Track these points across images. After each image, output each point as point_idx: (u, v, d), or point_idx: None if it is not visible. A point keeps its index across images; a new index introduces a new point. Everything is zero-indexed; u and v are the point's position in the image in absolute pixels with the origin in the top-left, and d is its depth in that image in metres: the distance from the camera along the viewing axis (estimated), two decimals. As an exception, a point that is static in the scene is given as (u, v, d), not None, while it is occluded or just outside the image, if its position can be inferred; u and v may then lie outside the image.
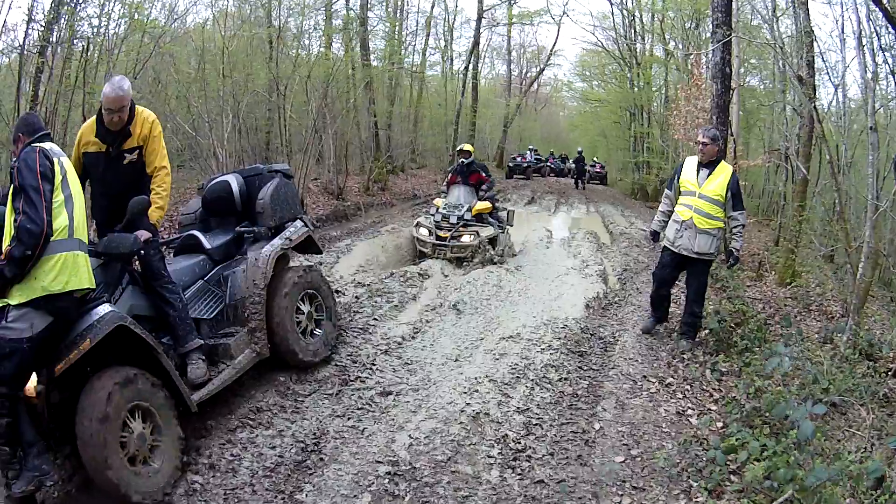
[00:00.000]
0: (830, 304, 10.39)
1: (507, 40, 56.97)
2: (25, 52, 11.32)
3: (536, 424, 5.89)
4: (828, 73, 15.53)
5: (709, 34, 14.83)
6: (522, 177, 42.73)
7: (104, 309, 4.57)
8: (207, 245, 6.37)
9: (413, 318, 8.79)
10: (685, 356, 7.73)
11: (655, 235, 8.47)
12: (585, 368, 7.36)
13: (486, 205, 12.98)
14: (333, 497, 4.67)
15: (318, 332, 6.85)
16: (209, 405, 5.44)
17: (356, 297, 9.31)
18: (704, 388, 6.97)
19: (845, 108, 14.16)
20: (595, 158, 50.20)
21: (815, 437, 4.68)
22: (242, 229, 6.67)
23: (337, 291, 9.00)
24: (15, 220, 4.11)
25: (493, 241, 12.76)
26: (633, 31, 39.50)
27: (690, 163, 8.03)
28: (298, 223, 7.12)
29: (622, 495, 4.91)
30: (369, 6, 27.50)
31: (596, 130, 53.05)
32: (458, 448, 5.37)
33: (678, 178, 8.07)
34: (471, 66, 38.23)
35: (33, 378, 4.37)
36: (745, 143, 25.70)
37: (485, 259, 12.14)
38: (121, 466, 4.25)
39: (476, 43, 38.60)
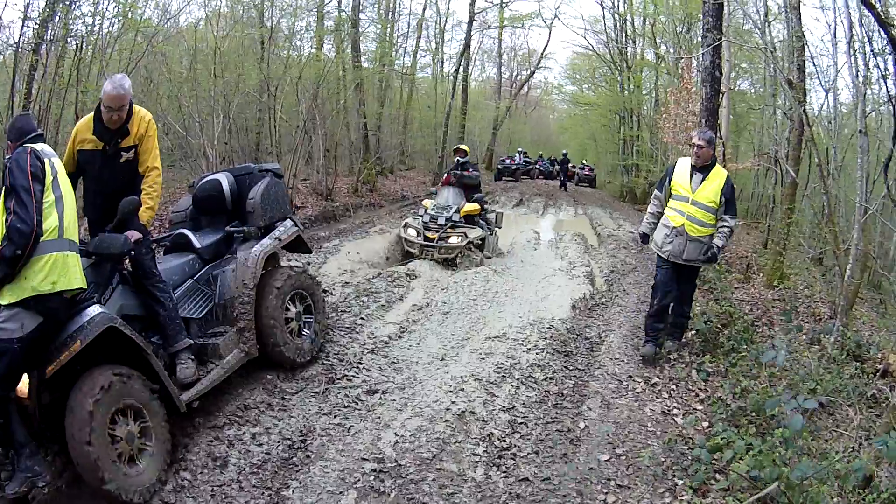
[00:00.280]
0: (818, 305, 10.45)
1: (497, 43, 57.22)
2: (20, 50, 11.31)
3: (522, 423, 5.95)
4: (818, 77, 15.63)
5: (700, 38, 14.91)
6: (511, 179, 42.77)
7: (94, 310, 4.60)
8: (197, 244, 6.37)
9: (400, 317, 8.82)
10: (671, 356, 7.74)
11: (645, 238, 8.17)
12: (571, 368, 7.42)
13: (475, 206, 13.07)
14: (319, 493, 4.71)
15: (306, 331, 6.88)
16: (197, 403, 5.45)
17: (344, 296, 9.35)
18: (690, 388, 7.03)
19: (836, 112, 14.27)
20: (584, 161, 50.50)
21: (803, 432, 4.72)
22: (232, 229, 6.66)
23: (325, 291, 9.02)
24: (6, 220, 4.13)
25: (481, 242, 12.84)
26: (624, 34, 39.70)
27: (683, 165, 7.71)
28: (288, 223, 7.12)
29: (607, 493, 4.97)
30: (361, 8, 27.52)
31: (585, 133, 53.14)
32: (444, 446, 5.43)
33: (670, 180, 7.75)
34: (461, 69, 38.25)
35: (24, 379, 4.39)
36: (735, 147, 25.86)
37: (471, 262, 12.21)
38: (110, 464, 4.28)
39: (467, 45, 38.61)
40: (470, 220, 12.90)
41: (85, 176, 5.58)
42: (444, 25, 42.54)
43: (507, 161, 44.96)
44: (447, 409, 6.00)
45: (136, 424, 4.63)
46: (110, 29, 13.60)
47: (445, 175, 14.30)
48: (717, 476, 5.07)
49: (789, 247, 12.61)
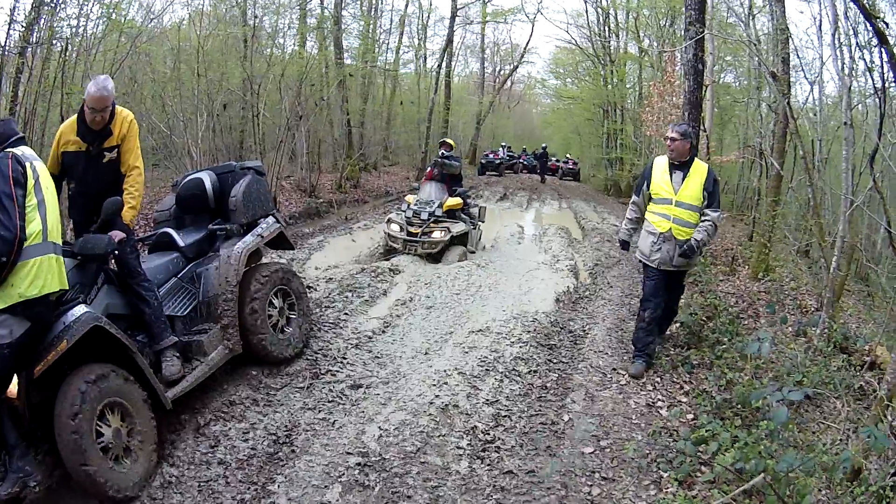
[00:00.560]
0: (805, 298, 10.50)
1: (480, 38, 57.14)
2: (6, 54, 11.27)
3: (505, 416, 5.99)
4: (803, 70, 15.72)
5: (683, 31, 14.97)
6: (495, 173, 42.96)
7: (80, 310, 4.62)
8: (181, 242, 6.39)
9: (383, 312, 8.86)
10: (656, 349, 7.71)
11: (625, 245, 7.93)
12: (555, 361, 7.46)
13: (458, 201, 13.13)
14: (305, 488, 4.74)
15: (289, 328, 6.91)
16: (183, 399, 5.48)
17: (327, 292, 9.37)
18: (675, 380, 7.08)
19: (821, 104, 14.34)
20: (568, 155, 50.88)
21: (789, 424, 4.73)
22: (215, 227, 6.69)
23: (308, 287, 9.05)
24: None
25: (464, 237, 12.87)
26: (607, 28, 39.91)
27: (660, 164, 7.25)
28: (270, 219, 7.15)
29: (591, 485, 5.00)
30: (344, 5, 27.58)
31: (569, 127, 53.40)
32: (428, 439, 5.47)
33: (648, 184, 7.28)
34: (444, 64, 38.33)
35: (14, 380, 4.38)
36: (720, 140, 25.96)
37: (455, 256, 12.26)
38: (97, 462, 4.30)
39: (449, 41, 38.59)
40: (452, 214, 12.95)
41: (69, 177, 5.60)
42: (427, 21, 42.80)
43: (491, 156, 45.12)
44: (431, 403, 6.04)
45: (122, 422, 4.65)
46: (94, 30, 13.57)
47: (428, 169, 14.35)
48: (703, 468, 5.11)
49: (775, 239, 12.65)
